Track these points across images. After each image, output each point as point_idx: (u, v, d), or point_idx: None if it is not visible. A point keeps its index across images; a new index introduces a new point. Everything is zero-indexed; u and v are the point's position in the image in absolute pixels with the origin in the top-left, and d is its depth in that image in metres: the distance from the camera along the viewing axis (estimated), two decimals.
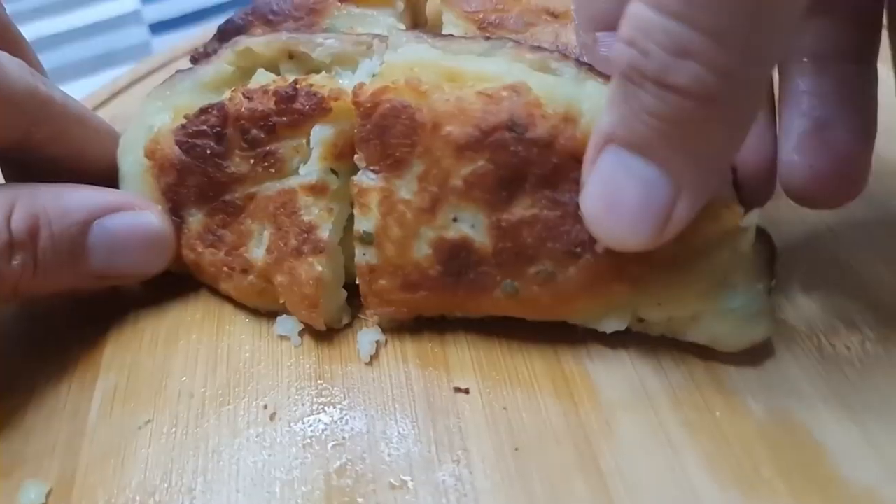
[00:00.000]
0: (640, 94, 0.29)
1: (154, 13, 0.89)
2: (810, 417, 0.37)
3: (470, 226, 0.38)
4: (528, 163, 0.36)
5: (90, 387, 0.43)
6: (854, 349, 0.40)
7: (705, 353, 0.40)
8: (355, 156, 0.39)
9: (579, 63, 0.38)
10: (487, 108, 0.36)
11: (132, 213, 0.44)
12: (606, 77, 0.36)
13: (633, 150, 0.31)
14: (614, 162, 0.31)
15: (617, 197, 0.32)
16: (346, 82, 0.41)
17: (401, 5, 0.50)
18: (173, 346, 0.45)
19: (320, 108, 0.40)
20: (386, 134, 0.38)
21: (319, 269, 0.40)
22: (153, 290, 0.48)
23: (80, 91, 0.69)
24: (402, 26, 0.49)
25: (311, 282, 0.40)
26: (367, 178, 0.39)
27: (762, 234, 0.38)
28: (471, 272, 0.39)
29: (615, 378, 0.40)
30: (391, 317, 0.42)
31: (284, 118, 0.40)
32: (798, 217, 0.48)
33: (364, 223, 0.40)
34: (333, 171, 0.41)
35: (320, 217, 0.41)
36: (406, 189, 0.38)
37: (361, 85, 0.38)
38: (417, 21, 0.55)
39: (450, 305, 0.41)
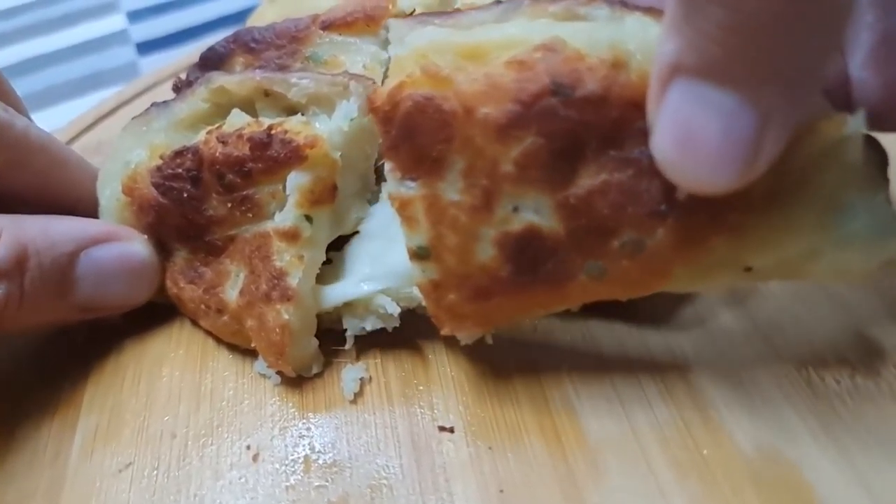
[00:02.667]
0: (707, 7, 0.24)
1: (141, 33, 0.89)
2: (799, 454, 0.37)
3: (533, 212, 0.33)
4: (583, 125, 0.31)
5: (71, 428, 0.43)
6: (844, 383, 0.39)
7: (690, 387, 0.40)
8: (386, 167, 0.36)
9: (609, 1, 0.33)
10: (522, 77, 0.31)
11: (119, 243, 0.44)
12: (644, 8, 0.32)
13: (705, 77, 0.26)
14: (685, 95, 0.27)
15: (694, 134, 0.27)
16: (323, 126, 0.41)
17: (383, 33, 0.49)
18: (156, 383, 0.44)
19: (295, 156, 0.39)
20: (415, 135, 0.34)
21: (286, 316, 0.40)
22: (135, 322, 0.47)
23: (66, 114, 0.69)
24: (386, 54, 0.48)
25: (277, 329, 0.40)
26: (405, 189, 0.35)
27: (866, 138, 0.32)
28: (546, 263, 0.34)
29: (602, 415, 0.39)
30: (470, 334, 0.38)
31: (259, 165, 0.40)
32: None
33: (415, 238, 0.35)
34: (308, 218, 0.40)
35: (291, 264, 0.40)
36: (452, 190, 0.34)
37: (375, 89, 0.35)
38: None
39: (531, 306, 0.36)
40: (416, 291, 0.39)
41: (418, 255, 0.36)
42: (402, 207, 0.35)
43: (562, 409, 0.40)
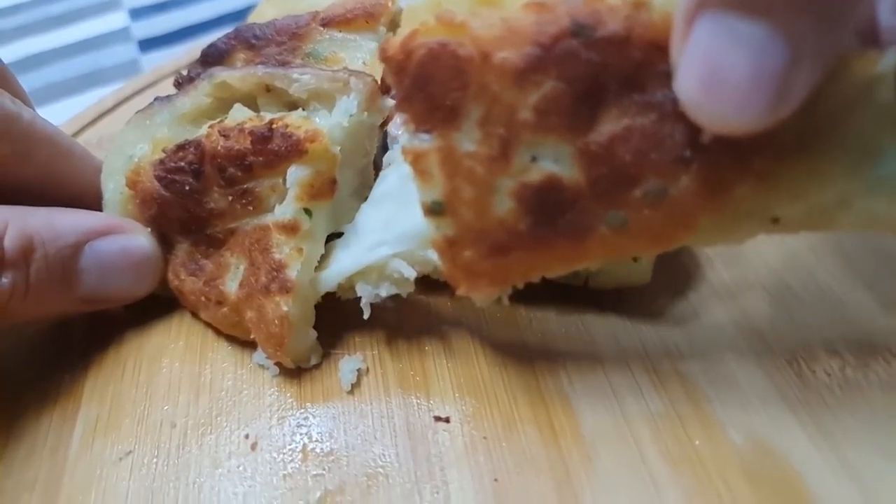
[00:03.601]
0: None
1: (143, 30, 0.89)
2: (790, 446, 0.37)
3: (553, 161, 0.32)
4: (604, 68, 0.30)
5: (71, 418, 0.43)
6: (834, 375, 0.40)
7: (685, 382, 0.40)
8: (398, 120, 0.35)
9: None
10: (541, 19, 0.30)
11: (123, 236, 0.44)
12: None
13: (733, 9, 0.25)
14: (712, 29, 0.26)
15: (721, 70, 0.26)
16: (323, 121, 0.41)
17: (383, 30, 0.49)
18: (156, 375, 0.45)
19: (296, 150, 0.40)
20: (429, 83, 0.32)
21: (285, 308, 0.40)
22: (135, 314, 0.48)
23: (68, 110, 0.70)
24: None
25: (276, 321, 0.40)
26: (419, 142, 0.33)
27: None
28: (566, 215, 0.33)
29: (596, 405, 0.40)
30: (486, 295, 0.37)
31: (260, 158, 0.40)
32: (777, 238, 0.48)
33: (429, 193, 0.34)
34: (307, 212, 0.41)
35: (290, 256, 0.41)
36: (468, 140, 0.33)
37: (387, 39, 0.34)
38: None
39: (549, 261, 0.35)
40: (431, 254, 0.38)
41: (433, 210, 0.35)
42: (416, 161, 0.34)
43: (556, 399, 0.40)
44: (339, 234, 0.44)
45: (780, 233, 0.33)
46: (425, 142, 0.33)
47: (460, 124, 0.33)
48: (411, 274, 0.40)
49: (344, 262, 0.42)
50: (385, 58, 0.33)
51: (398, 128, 0.47)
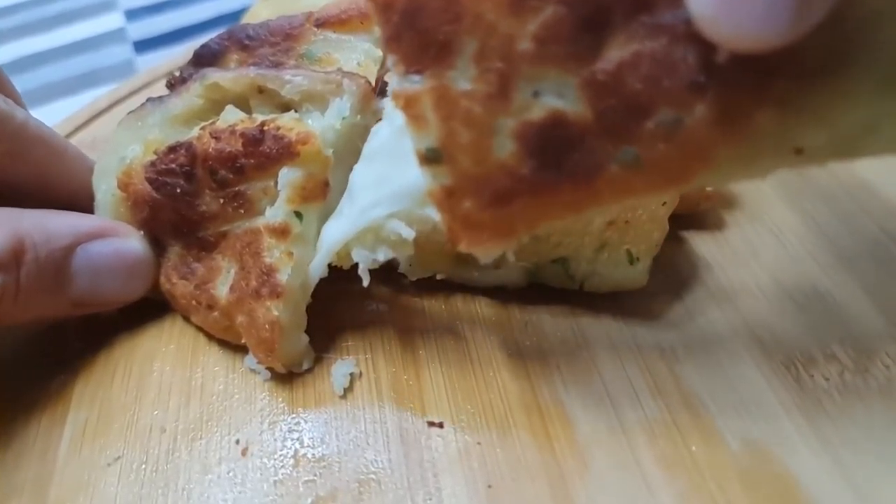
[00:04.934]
0: None
1: (139, 31, 0.89)
2: (787, 451, 0.37)
3: (556, 95, 0.29)
4: None
5: (60, 422, 0.43)
6: (832, 380, 0.40)
7: (681, 390, 0.40)
8: (388, 62, 0.32)
9: None
10: None
11: (116, 239, 0.44)
12: None
13: None
14: None
15: None
16: (316, 123, 0.41)
17: (377, 31, 0.49)
18: (146, 378, 0.44)
19: (287, 152, 0.39)
20: (418, 18, 0.30)
21: (276, 313, 0.40)
22: (127, 318, 0.47)
23: (63, 111, 0.69)
24: (379, 52, 0.48)
25: (267, 325, 0.40)
26: (410, 84, 0.31)
27: None
28: (573, 154, 0.30)
29: (590, 410, 0.39)
30: (490, 249, 0.34)
31: (252, 160, 0.40)
32: (774, 239, 0.48)
33: (423, 139, 0.31)
34: (298, 215, 0.40)
35: (280, 260, 0.40)
36: (463, 78, 0.30)
37: None
38: None
39: (556, 208, 0.32)
40: (430, 211, 0.35)
41: (428, 158, 0.32)
42: (408, 105, 0.31)
43: (551, 404, 0.40)
44: None
45: (804, 165, 0.30)
46: (417, 83, 0.31)
47: (454, 61, 0.30)
48: (409, 234, 0.37)
49: (338, 230, 0.39)
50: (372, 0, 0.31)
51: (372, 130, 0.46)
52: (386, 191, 0.38)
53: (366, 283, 0.40)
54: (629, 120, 0.29)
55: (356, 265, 0.40)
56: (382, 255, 0.39)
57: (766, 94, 0.28)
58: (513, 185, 0.31)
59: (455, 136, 0.31)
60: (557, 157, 0.30)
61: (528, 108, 0.30)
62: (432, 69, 0.30)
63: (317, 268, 0.41)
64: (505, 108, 0.30)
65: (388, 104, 0.36)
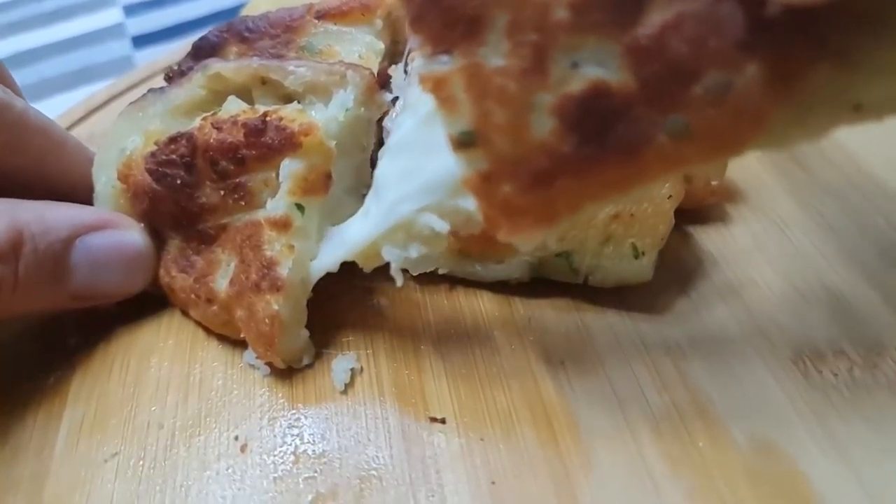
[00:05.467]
0: None
1: (138, 26, 0.88)
2: (795, 448, 0.36)
3: (597, 65, 0.28)
4: None
5: (57, 418, 0.42)
6: (841, 376, 0.39)
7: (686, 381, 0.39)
8: (412, 44, 0.31)
9: None
10: None
11: (115, 231, 0.43)
12: None
13: None
14: None
15: None
16: (319, 115, 0.40)
17: (379, 23, 0.48)
18: (144, 374, 0.44)
19: (290, 143, 0.39)
20: None
21: (276, 307, 0.39)
22: (125, 312, 0.47)
23: (61, 106, 0.68)
24: (381, 44, 0.48)
25: (267, 320, 0.39)
26: (439, 65, 0.29)
27: None
28: (617, 126, 0.28)
29: (595, 406, 0.39)
30: (531, 236, 0.32)
31: (253, 151, 0.39)
32: (780, 234, 0.47)
33: (456, 123, 0.30)
34: (300, 208, 0.40)
35: (281, 254, 0.39)
36: (495, 54, 0.28)
37: None
38: (397, 38, 0.54)
39: (602, 186, 0.30)
40: (463, 202, 0.34)
41: (462, 143, 0.30)
42: (438, 87, 0.29)
43: (555, 400, 0.39)
44: None
45: (863, 121, 0.28)
46: (445, 64, 0.29)
47: (484, 37, 0.28)
48: (443, 227, 0.35)
49: (364, 229, 0.38)
50: None
51: (394, 122, 0.46)
52: (414, 184, 0.36)
53: (399, 283, 0.37)
54: (676, 86, 0.27)
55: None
56: (415, 252, 0.37)
57: (821, 50, 0.26)
58: (554, 165, 0.29)
59: (490, 116, 0.29)
60: (601, 130, 0.28)
61: (566, 81, 0.28)
62: (461, 47, 0.29)
63: (325, 266, 0.40)
64: (542, 82, 0.28)
65: (409, 95, 0.34)
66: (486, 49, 0.28)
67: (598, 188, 0.30)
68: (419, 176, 0.36)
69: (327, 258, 0.40)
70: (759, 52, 0.26)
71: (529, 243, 0.32)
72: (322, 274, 0.41)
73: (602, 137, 0.28)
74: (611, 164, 0.29)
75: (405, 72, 0.44)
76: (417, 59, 0.30)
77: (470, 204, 0.32)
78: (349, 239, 0.39)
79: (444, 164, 0.32)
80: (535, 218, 0.31)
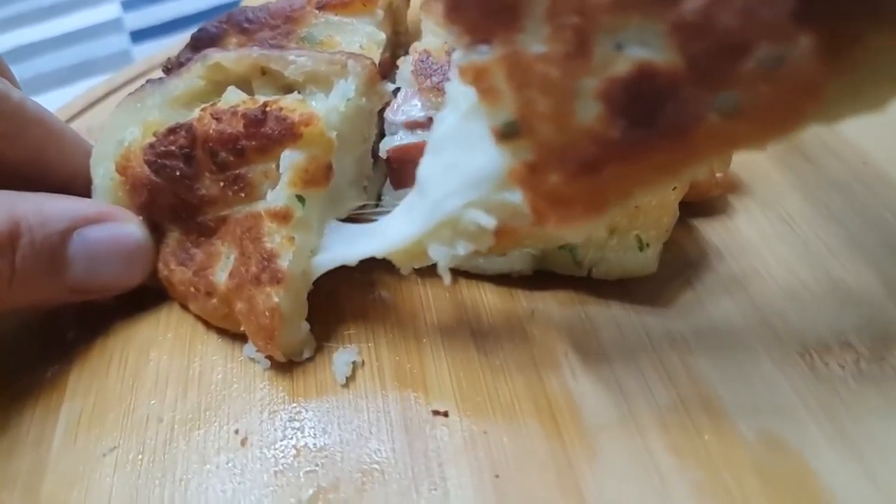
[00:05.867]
0: None
1: (135, 21, 0.88)
2: (802, 440, 0.36)
3: (641, 45, 0.27)
4: None
5: (55, 412, 0.41)
6: (848, 368, 0.39)
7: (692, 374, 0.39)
8: (450, 35, 0.30)
9: None
10: None
11: (114, 224, 0.43)
12: None
13: None
14: None
15: None
16: (319, 105, 0.40)
17: (380, 13, 0.48)
18: (143, 368, 0.43)
19: (290, 134, 0.38)
20: None
21: (276, 300, 0.39)
22: (123, 306, 0.46)
23: (60, 100, 0.68)
24: (382, 35, 0.48)
25: (267, 312, 0.39)
26: (478, 55, 0.28)
27: None
28: (666, 107, 0.27)
29: (600, 398, 0.38)
30: (580, 226, 0.31)
31: (253, 142, 0.39)
32: (785, 227, 0.47)
33: (498, 114, 0.29)
34: (300, 199, 0.39)
35: (281, 245, 0.39)
36: (536, 40, 0.27)
37: None
38: (398, 29, 0.53)
39: (652, 171, 0.29)
40: (509, 195, 0.33)
41: (506, 134, 0.29)
42: (478, 78, 0.29)
43: (559, 392, 0.39)
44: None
45: None
46: (485, 54, 0.28)
47: (523, 23, 0.28)
48: (490, 223, 0.34)
49: (408, 226, 0.37)
50: None
51: (396, 114, 0.45)
52: (459, 179, 0.34)
53: (447, 281, 0.36)
54: (726, 62, 0.26)
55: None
56: (462, 249, 0.35)
57: (879, 15, 0.25)
58: (602, 152, 0.28)
59: (533, 105, 0.28)
60: (649, 113, 0.27)
61: (611, 64, 0.27)
62: (501, 36, 0.28)
63: (341, 259, 0.39)
64: (585, 66, 0.27)
65: (449, 90, 0.34)
66: (525, 36, 0.28)
67: (648, 173, 0.29)
68: (464, 171, 0.34)
69: (347, 252, 0.39)
70: (812, 21, 0.25)
71: (579, 234, 0.32)
72: (334, 266, 0.40)
73: (650, 120, 0.28)
74: (661, 147, 0.28)
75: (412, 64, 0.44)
76: (456, 52, 0.30)
77: (516, 197, 0.31)
78: (391, 236, 0.37)
79: (489, 157, 0.32)
80: (583, 207, 0.30)
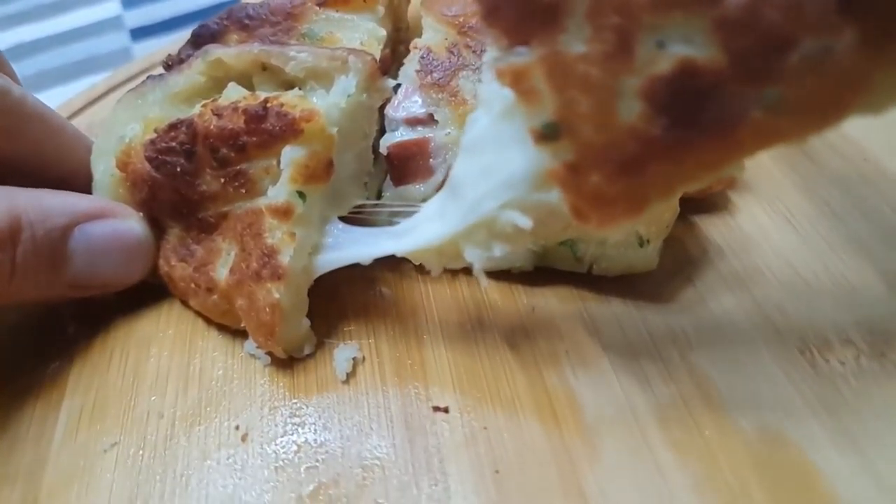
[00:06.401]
0: None
1: (136, 19, 0.88)
2: (803, 436, 0.36)
3: (684, 43, 0.27)
4: None
5: (55, 408, 0.41)
6: (848, 364, 0.39)
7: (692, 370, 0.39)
8: (489, 39, 0.30)
9: None
10: None
11: (114, 220, 0.43)
12: None
13: None
14: None
15: None
16: (320, 101, 0.40)
17: (381, 10, 0.48)
18: (143, 364, 0.43)
19: (291, 130, 0.38)
20: None
21: (277, 296, 0.39)
22: (124, 302, 0.46)
23: (60, 98, 0.68)
24: (383, 31, 0.47)
25: (267, 308, 0.39)
26: (516, 57, 0.29)
27: None
28: (709, 105, 0.27)
29: (600, 394, 0.38)
30: (622, 225, 0.31)
31: (254, 138, 0.39)
32: (786, 223, 0.47)
33: (538, 115, 0.29)
34: (301, 195, 0.39)
35: (282, 241, 0.39)
36: (577, 40, 0.27)
37: None
38: (398, 25, 0.53)
39: (695, 168, 0.29)
40: (545, 195, 0.33)
41: (546, 135, 0.29)
42: (517, 80, 0.29)
43: (559, 388, 0.39)
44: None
45: None
46: (523, 56, 0.28)
47: (564, 24, 0.27)
48: (527, 224, 0.33)
49: (442, 228, 0.36)
50: None
51: (397, 110, 0.45)
52: (495, 180, 0.34)
53: (484, 284, 0.36)
54: (770, 57, 0.26)
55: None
56: (498, 251, 0.35)
57: None
58: (644, 150, 0.28)
59: (574, 105, 0.28)
60: (692, 110, 0.27)
61: (653, 62, 0.27)
62: (540, 37, 0.28)
63: (353, 258, 0.39)
64: (627, 65, 0.27)
65: (482, 91, 0.33)
66: (566, 36, 0.28)
67: (691, 170, 0.29)
68: (499, 172, 0.34)
69: (366, 250, 0.39)
70: (856, 15, 0.25)
71: (620, 232, 0.32)
72: (345, 264, 0.40)
73: (693, 118, 0.27)
74: (704, 144, 0.28)
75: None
76: (490, 52, 0.30)
77: (553, 197, 0.31)
78: (422, 236, 0.37)
79: (525, 157, 0.32)
80: (625, 206, 0.30)
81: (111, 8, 0.90)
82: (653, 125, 0.28)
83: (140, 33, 0.85)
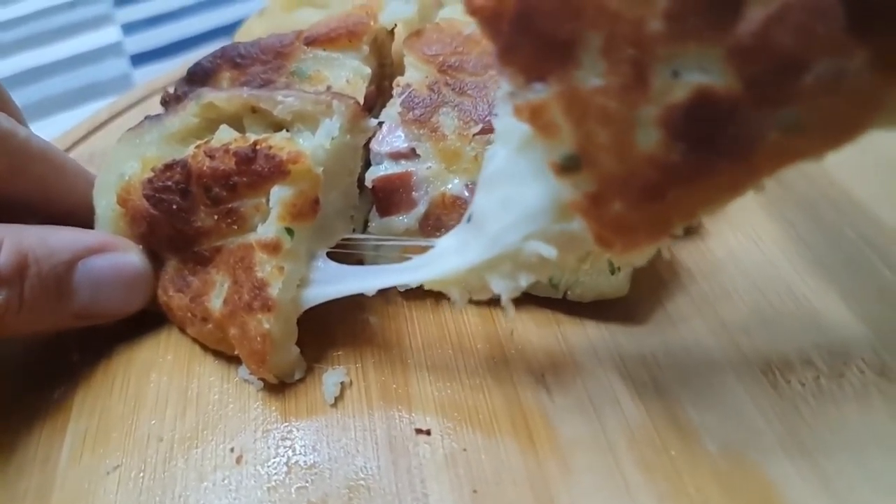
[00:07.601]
0: None
1: (136, 44, 0.90)
2: (764, 456, 0.38)
3: (699, 71, 0.27)
4: None
5: (61, 432, 0.44)
6: (808, 385, 0.41)
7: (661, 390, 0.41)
8: (505, 77, 0.30)
9: None
10: None
11: (115, 253, 0.46)
12: None
13: None
14: None
15: None
16: (306, 142, 0.42)
17: (366, 49, 0.50)
18: (144, 388, 0.46)
19: (279, 171, 0.41)
20: (533, 23, 0.29)
21: (267, 326, 0.41)
22: (125, 330, 0.48)
23: (61, 124, 0.71)
24: (367, 69, 0.50)
25: (258, 338, 0.41)
26: (534, 94, 0.30)
27: None
28: (726, 129, 0.28)
29: (574, 416, 0.41)
30: (644, 251, 0.32)
31: (244, 178, 0.41)
32: (754, 246, 0.49)
33: (558, 149, 0.30)
34: (289, 231, 0.42)
35: (271, 275, 0.41)
36: (593, 75, 0.28)
37: None
38: (383, 62, 0.56)
39: (714, 192, 0.30)
40: (567, 224, 0.33)
41: (566, 167, 0.30)
42: (535, 116, 0.30)
43: (535, 411, 0.41)
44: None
45: None
46: (540, 92, 0.29)
47: (580, 59, 0.28)
48: (551, 253, 0.34)
49: (464, 259, 0.37)
50: (473, 10, 0.30)
51: (381, 145, 0.48)
52: (516, 213, 0.35)
53: (511, 314, 0.37)
54: (784, 80, 0.27)
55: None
56: (524, 281, 0.36)
57: None
58: (664, 177, 0.29)
59: (593, 137, 0.29)
60: (709, 135, 0.28)
61: (669, 91, 0.28)
62: (556, 73, 0.29)
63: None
64: (644, 96, 0.28)
65: (498, 126, 0.34)
66: (581, 72, 0.29)
67: (711, 193, 0.30)
68: (520, 204, 0.34)
69: (351, 285, 0.42)
70: (864, 35, 0.25)
71: (642, 259, 0.33)
72: (332, 298, 0.43)
73: (712, 142, 0.28)
74: (723, 168, 0.29)
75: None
76: (508, 91, 0.30)
77: (575, 226, 0.32)
78: (442, 269, 0.38)
79: (545, 189, 0.32)
80: (648, 231, 0.31)
81: (111, 34, 0.93)
82: (672, 152, 0.28)
83: (140, 59, 0.88)
